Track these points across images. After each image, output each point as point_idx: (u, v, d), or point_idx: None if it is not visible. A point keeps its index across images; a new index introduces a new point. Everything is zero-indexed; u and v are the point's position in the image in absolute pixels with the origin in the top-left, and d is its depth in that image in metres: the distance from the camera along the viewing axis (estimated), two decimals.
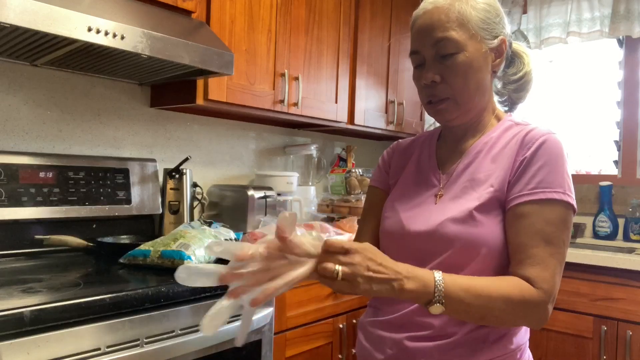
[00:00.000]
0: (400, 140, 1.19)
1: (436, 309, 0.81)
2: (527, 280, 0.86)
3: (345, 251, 0.76)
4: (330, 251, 0.75)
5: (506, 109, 1.08)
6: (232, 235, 1.62)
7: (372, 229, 1.10)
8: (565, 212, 0.89)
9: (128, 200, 1.80)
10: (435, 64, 0.95)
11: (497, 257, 0.91)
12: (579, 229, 2.48)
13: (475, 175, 0.97)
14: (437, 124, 1.08)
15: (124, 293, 1.14)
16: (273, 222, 1.06)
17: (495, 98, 1.06)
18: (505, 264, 0.91)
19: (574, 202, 0.90)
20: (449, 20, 0.93)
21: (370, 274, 0.76)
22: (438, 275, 0.82)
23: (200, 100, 1.77)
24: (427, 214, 0.97)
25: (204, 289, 1.30)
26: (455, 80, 0.94)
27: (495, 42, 0.96)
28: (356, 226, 2.10)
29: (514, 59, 1.05)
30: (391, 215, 1.03)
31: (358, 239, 1.13)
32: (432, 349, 0.91)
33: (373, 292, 0.77)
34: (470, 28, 0.94)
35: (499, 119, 1.04)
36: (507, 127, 1.00)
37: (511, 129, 0.99)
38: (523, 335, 0.97)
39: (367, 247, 0.78)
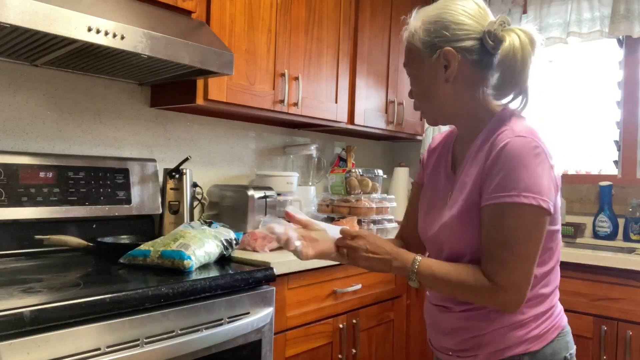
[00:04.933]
0: (435, 136, 1.29)
1: (413, 283, 1.05)
2: (484, 273, 0.99)
3: (353, 237, 1.08)
4: (343, 235, 1.09)
5: (504, 101, 1.10)
6: (232, 235, 1.62)
7: (414, 223, 1.25)
8: (520, 212, 0.95)
9: (128, 200, 1.80)
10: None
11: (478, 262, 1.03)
12: (579, 229, 2.48)
13: (464, 179, 1.06)
14: None
15: (124, 293, 1.14)
16: (273, 221, 1.27)
17: (496, 95, 1.09)
18: None
19: (530, 201, 0.94)
20: (406, 53, 1.12)
21: (369, 254, 1.06)
22: (418, 258, 1.04)
23: (200, 100, 1.77)
24: (438, 219, 1.11)
25: (204, 289, 1.30)
26: (417, 94, 1.12)
27: (434, 57, 1.06)
28: (356, 226, 2.11)
29: (497, 48, 1.04)
30: (420, 217, 1.20)
31: (402, 230, 1.33)
32: (452, 317, 1.09)
33: (371, 267, 1.08)
34: (415, 53, 1.09)
35: (493, 117, 1.08)
36: (491, 128, 1.05)
37: (494, 131, 1.04)
38: (544, 304, 1.06)
39: (368, 234, 1.09)
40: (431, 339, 1.19)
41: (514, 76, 1.03)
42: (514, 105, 1.09)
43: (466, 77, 1.06)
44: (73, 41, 1.32)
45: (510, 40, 1.01)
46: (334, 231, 1.12)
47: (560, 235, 1.09)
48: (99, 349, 1.08)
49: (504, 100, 1.09)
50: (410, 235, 1.28)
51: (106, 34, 1.30)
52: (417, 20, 1.09)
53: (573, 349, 1.10)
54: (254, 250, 1.70)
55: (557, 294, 1.11)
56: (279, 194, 2.18)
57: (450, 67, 1.05)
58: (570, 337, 1.10)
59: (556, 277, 1.11)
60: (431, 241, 1.13)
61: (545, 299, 1.06)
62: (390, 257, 1.05)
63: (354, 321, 1.89)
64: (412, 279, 1.04)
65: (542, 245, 1.00)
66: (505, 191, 0.96)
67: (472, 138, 1.08)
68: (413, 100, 1.14)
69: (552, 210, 0.99)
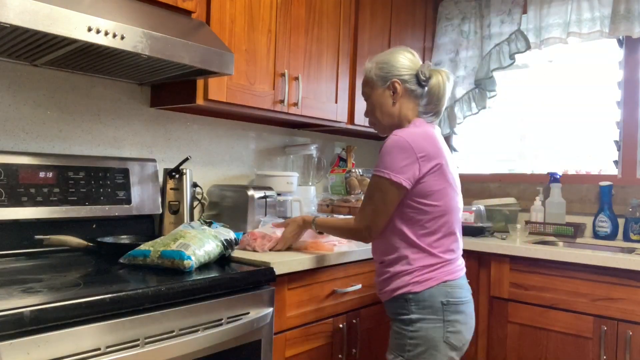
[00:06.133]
0: None
1: (315, 230, 1.73)
2: (355, 217, 1.56)
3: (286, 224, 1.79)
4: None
5: (432, 118, 1.60)
6: (232, 235, 1.62)
7: None
8: (379, 181, 1.47)
9: (128, 200, 1.80)
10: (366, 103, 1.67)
11: None
12: (579, 229, 2.48)
13: None
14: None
15: (124, 293, 1.14)
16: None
17: (423, 111, 1.59)
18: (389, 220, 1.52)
19: (385, 175, 1.45)
20: (363, 82, 1.64)
21: (285, 225, 1.79)
22: (316, 219, 1.71)
23: (200, 100, 1.77)
24: None
25: (204, 289, 1.30)
26: (370, 113, 1.65)
27: (387, 84, 1.57)
28: None
29: (427, 82, 1.56)
30: None
31: None
32: (377, 268, 1.59)
33: (292, 232, 1.76)
34: (368, 84, 1.62)
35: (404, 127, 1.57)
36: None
37: None
38: (429, 259, 1.48)
39: (290, 220, 1.79)
40: None
41: (438, 100, 1.57)
42: (430, 118, 1.59)
43: (405, 100, 1.57)
44: (73, 41, 1.32)
45: (437, 77, 1.56)
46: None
47: (442, 211, 1.48)
48: (98, 349, 1.08)
49: (427, 116, 1.59)
50: None
51: (106, 34, 1.30)
52: (372, 63, 1.61)
53: (455, 299, 1.47)
54: (254, 250, 1.71)
55: (445, 257, 1.49)
56: (279, 194, 2.18)
57: (396, 92, 1.57)
58: (452, 290, 1.47)
59: (447, 244, 1.50)
60: None
61: (430, 257, 1.48)
62: (297, 221, 1.75)
63: (354, 321, 1.89)
64: (314, 229, 1.71)
65: (414, 214, 1.47)
66: (376, 167, 1.48)
67: None
68: (368, 117, 1.67)
69: (404, 185, 1.43)
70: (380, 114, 1.60)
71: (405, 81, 1.56)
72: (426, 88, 1.56)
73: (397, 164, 1.43)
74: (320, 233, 1.74)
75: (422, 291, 1.46)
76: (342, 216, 2.11)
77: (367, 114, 1.67)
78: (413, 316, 1.46)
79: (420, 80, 1.56)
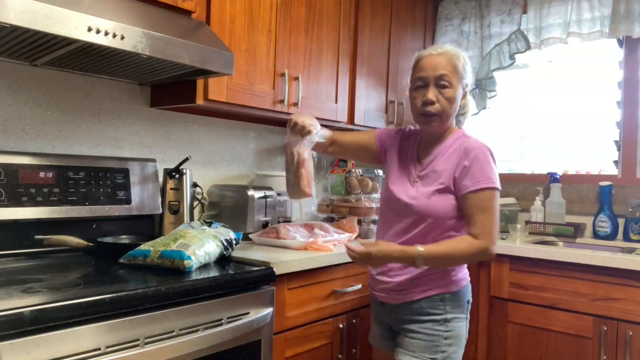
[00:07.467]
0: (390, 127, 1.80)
1: (419, 264, 1.42)
2: (474, 235, 1.43)
3: (368, 255, 1.43)
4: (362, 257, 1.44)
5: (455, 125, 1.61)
6: (232, 235, 1.62)
7: (349, 142, 1.73)
8: (492, 193, 1.45)
9: (128, 200, 1.80)
10: (435, 89, 1.48)
11: (442, 222, 1.47)
12: (579, 229, 2.48)
13: (435, 168, 1.52)
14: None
15: (124, 293, 1.14)
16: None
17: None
18: (447, 227, 1.47)
19: (496, 185, 1.45)
20: (448, 66, 1.48)
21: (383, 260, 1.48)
22: (420, 248, 1.39)
23: (200, 100, 1.77)
24: (403, 190, 1.54)
25: (204, 289, 1.30)
26: (444, 104, 1.49)
27: (466, 87, 1.54)
28: (356, 226, 2.11)
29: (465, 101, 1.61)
30: (386, 193, 1.60)
31: (340, 136, 1.72)
32: (396, 267, 1.52)
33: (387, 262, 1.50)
34: (457, 74, 1.49)
35: (451, 131, 1.57)
36: (456, 137, 1.55)
37: (459, 140, 1.53)
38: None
39: (379, 247, 1.44)
40: (371, 284, 1.62)
41: (464, 118, 1.63)
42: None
43: (460, 105, 1.56)
44: (73, 41, 1.32)
45: (470, 98, 1.62)
46: None
47: None
48: (99, 349, 1.08)
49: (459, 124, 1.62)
50: (341, 143, 1.71)
51: (106, 34, 1.30)
52: (461, 54, 1.52)
53: (471, 297, 1.57)
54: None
55: None
56: (279, 194, 2.17)
57: (465, 97, 1.56)
58: (470, 288, 1.57)
59: None
60: (402, 206, 1.52)
61: None
62: (398, 254, 1.43)
63: (354, 321, 1.89)
64: (417, 264, 1.41)
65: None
66: (482, 180, 1.44)
67: (434, 142, 1.56)
68: (432, 103, 1.48)
69: None
70: (451, 109, 1.50)
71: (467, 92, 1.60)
72: (464, 106, 1.61)
73: (495, 173, 1.47)
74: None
75: (457, 291, 1.51)
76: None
77: (441, 100, 1.48)
78: (448, 315, 1.48)
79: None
